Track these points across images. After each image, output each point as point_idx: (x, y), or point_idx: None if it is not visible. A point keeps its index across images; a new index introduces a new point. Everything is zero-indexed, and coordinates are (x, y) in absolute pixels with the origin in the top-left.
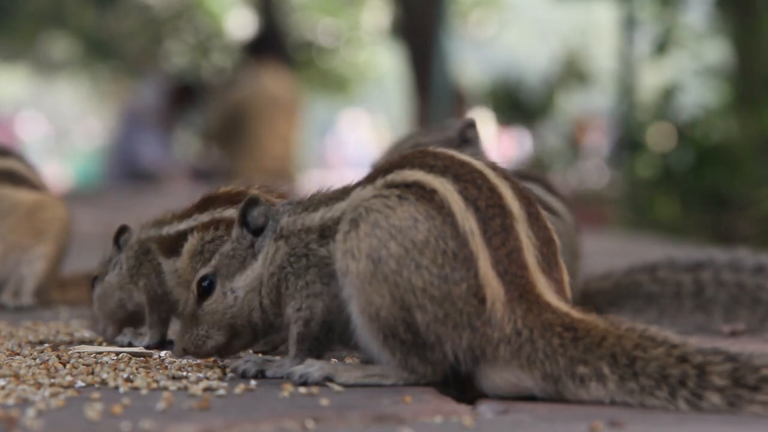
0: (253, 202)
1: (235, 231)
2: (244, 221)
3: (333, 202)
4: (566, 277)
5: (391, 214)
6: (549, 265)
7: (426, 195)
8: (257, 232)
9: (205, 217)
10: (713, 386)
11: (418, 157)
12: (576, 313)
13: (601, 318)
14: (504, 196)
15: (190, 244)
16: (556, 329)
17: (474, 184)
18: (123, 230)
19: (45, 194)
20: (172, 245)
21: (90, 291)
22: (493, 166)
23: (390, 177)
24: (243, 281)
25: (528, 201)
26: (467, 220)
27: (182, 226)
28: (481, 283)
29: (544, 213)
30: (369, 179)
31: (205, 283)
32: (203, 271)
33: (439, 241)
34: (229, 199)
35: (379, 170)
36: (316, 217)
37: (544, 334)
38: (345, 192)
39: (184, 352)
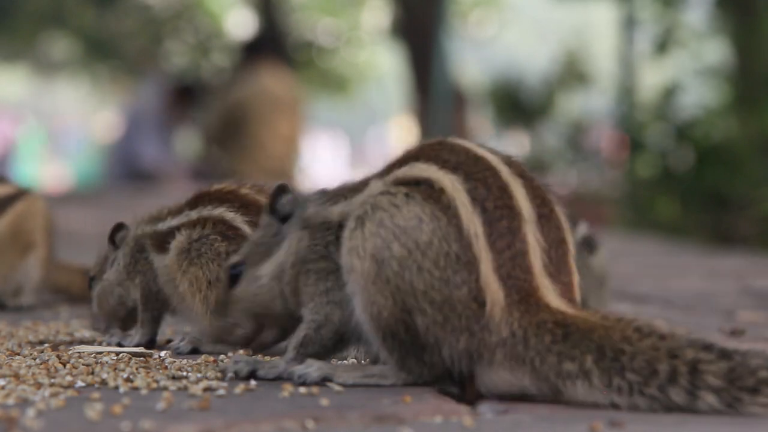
0: (282, 189)
1: (264, 218)
2: (272, 209)
3: (351, 195)
4: (576, 279)
5: (396, 213)
6: (557, 268)
7: (433, 195)
8: (284, 219)
9: (194, 215)
10: (708, 386)
11: (435, 149)
12: (571, 311)
13: (594, 312)
14: (515, 196)
15: (178, 241)
16: (548, 326)
17: (484, 183)
18: (119, 227)
19: (15, 203)
20: (163, 241)
21: (88, 290)
22: (509, 162)
23: (402, 170)
24: (267, 269)
25: (542, 200)
26: (472, 223)
27: (174, 222)
28: (482, 287)
29: (560, 212)
30: (384, 171)
31: (234, 271)
32: (234, 259)
33: (443, 243)
34: (220, 198)
35: (396, 161)
36: (336, 211)
37: (537, 332)
38: (364, 184)
39: (216, 340)
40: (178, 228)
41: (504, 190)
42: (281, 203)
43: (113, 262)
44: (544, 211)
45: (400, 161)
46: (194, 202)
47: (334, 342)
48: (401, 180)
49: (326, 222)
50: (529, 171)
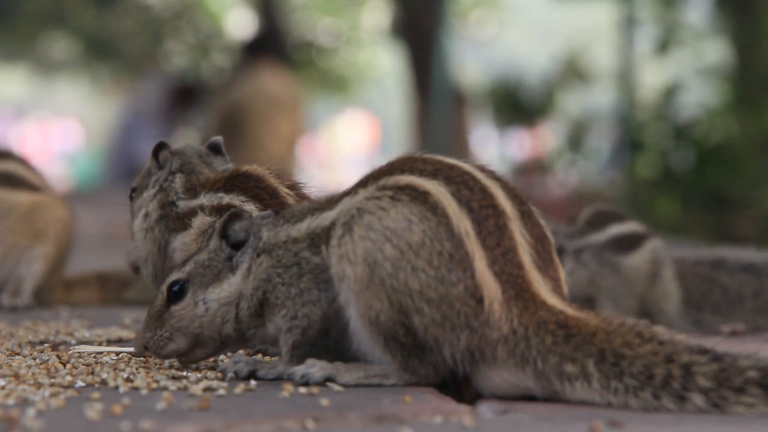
0: (236, 216)
1: (214, 242)
2: (224, 234)
3: (320, 212)
4: (562, 274)
5: (384, 216)
6: (545, 263)
7: (419, 196)
8: (236, 246)
9: (224, 199)
10: (698, 387)
11: (406, 163)
12: (571, 311)
13: (594, 315)
14: (496, 196)
15: (200, 221)
16: (549, 327)
17: (466, 185)
18: (162, 146)
19: (45, 195)
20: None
21: (130, 202)
22: (482, 168)
23: (381, 182)
24: (217, 294)
25: (520, 200)
26: (462, 221)
27: (204, 200)
28: (479, 284)
29: (536, 210)
30: (359, 185)
31: (175, 288)
32: (175, 275)
33: (435, 243)
34: (245, 188)
35: (368, 177)
36: (302, 228)
37: (538, 331)
38: (332, 201)
39: (144, 349)
40: (202, 208)
41: (485, 191)
42: (234, 229)
43: (155, 182)
44: (524, 210)
45: (373, 177)
46: (229, 186)
47: (322, 339)
48: (383, 187)
49: (290, 239)
50: (500, 175)
